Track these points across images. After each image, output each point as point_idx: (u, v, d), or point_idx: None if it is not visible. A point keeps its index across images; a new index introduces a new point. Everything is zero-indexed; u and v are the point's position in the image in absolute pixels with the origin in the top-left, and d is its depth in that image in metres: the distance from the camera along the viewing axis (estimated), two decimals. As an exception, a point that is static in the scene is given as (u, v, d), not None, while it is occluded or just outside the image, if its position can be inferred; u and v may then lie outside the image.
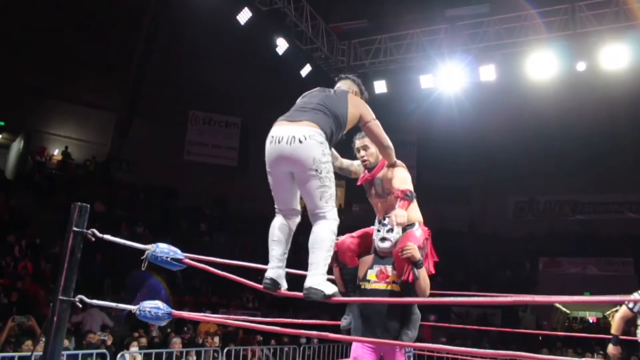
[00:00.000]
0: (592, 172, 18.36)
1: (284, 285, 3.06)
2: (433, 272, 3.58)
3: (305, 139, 2.86)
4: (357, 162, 3.83)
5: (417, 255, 3.30)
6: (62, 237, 2.39)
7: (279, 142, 2.91)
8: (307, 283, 2.85)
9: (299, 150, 2.85)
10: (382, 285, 3.48)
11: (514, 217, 21.00)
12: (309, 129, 2.90)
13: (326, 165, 2.90)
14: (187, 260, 2.67)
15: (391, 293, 3.46)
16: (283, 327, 3.70)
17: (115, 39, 17.22)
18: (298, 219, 3.15)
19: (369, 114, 3.31)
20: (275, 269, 3.03)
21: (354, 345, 3.60)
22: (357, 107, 3.26)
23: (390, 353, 3.50)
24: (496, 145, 18.90)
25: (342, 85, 3.57)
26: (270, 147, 2.96)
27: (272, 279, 3.01)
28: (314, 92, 3.35)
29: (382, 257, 3.57)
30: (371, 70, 15.22)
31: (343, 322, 3.66)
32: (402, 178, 3.49)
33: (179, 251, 2.68)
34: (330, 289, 2.85)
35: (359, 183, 3.81)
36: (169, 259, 2.60)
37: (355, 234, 3.68)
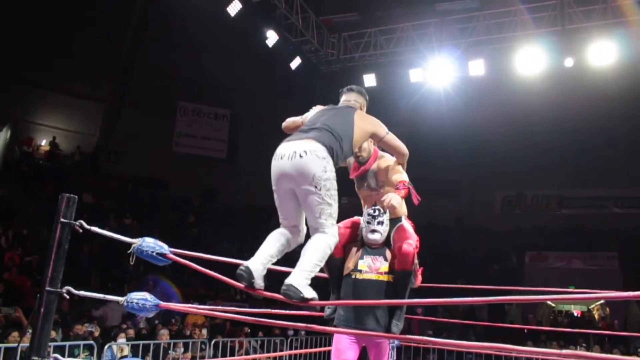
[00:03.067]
0: (579, 168, 18.52)
1: (260, 284, 2.92)
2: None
3: (306, 153, 2.87)
4: None
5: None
6: (49, 228, 2.39)
7: (281, 158, 2.93)
8: (289, 280, 2.81)
9: (298, 165, 2.86)
10: (373, 276, 3.51)
11: (502, 211, 21.16)
12: (311, 144, 2.91)
13: (326, 183, 2.88)
14: (171, 256, 2.67)
15: (383, 284, 3.50)
16: (270, 318, 3.71)
17: (105, 29, 17.09)
18: (300, 239, 3.11)
19: (381, 129, 3.31)
20: (257, 263, 2.92)
21: (337, 334, 3.62)
22: (365, 126, 3.25)
23: (375, 343, 3.53)
24: (484, 139, 19.00)
25: (348, 97, 3.54)
26: (274, 164, 2.98)
27: (248, 268, 2.88)
28: (320, 111, 3.35)
29: (371, 248, 3.60)
30: (361, 63, 15.24)
31: (327, 310, 3.67)
32: (399, 170, 3.54)
33: (165, 246, 2.67)
34: (310, 293, 2.81)
35: (352, 176, 3.79)
36: (154, 254, 2.61)
37: (343, 224, 3.68)
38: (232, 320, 10.93)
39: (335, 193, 2.95)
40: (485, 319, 14.57)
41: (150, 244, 2.61)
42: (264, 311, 3.58)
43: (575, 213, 19.73)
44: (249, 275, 2.87)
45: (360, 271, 3.54)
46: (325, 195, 2.88)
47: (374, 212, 3.54)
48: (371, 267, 3.53)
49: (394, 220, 3.61)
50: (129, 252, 2.59)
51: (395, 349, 3.50)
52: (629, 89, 15.58)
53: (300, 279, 2.81)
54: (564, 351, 1.76)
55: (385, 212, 3.53)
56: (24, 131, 17.94)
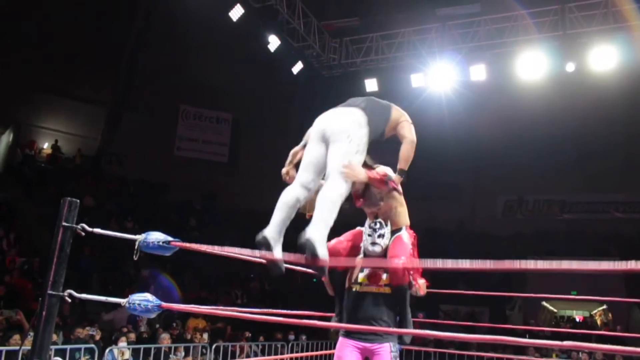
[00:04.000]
0: (581, 172, 18.50)
1: (278, 252, 2.97)
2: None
3: (349, 114, 3.18)
4: None
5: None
6: (51, 230, 2.40)
7: (324, 118, 3.22)
8: (308, 234, 2.83)
9: (339, 120, 3.16)
10: (373, 289, 3.52)
11: (503, 216, 21.12)
12: (355, 110, 3.21)
13: (358, 140, 3.09)
14: (178, 243, 2.66)
15: (382, 297, 3.50)
16: (271, 319, 3.71)
17: (107, 32, 17.14)
18: (309, 194, 3.16)
19: (407, 116, 3.53)
20: (273, 232, 2.98)
21: (339, 343, 3.61)
22: (398, 113, 3.47)
23: (377, 354, 3.52)
24: (486, 144, 18.99)
25: None
26: (316, 121, 3.24)
27: (266, 237, 2.93)
28: (359, 97, 3.55)
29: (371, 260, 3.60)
30: (362, 68, 15.27)
31: (333, 323, 3.68)
32: (385, 169, 3.54)
33: (169, 238, 2.67)
34: (323, 253, 2.83)
35: (358, 205, 3.79)
36: (160, 243, 2.60)
37: (345, 238, 3.69)
38: (233, 324, 10.97)
39: (362, 155, 3.12)
40: (487, 323, 14.55)
41: (155, 235, 2.61)
42: (265, 311, 3.58)
43: (577, 218, 19.69)
44: (267, 244, 2.94)
45: (360, 284, 3.55)
46: (353, 146, 3.07)
47: (375, 224, 3.56)
48: (371, 280, 3.54)
49: (394, 231, 3.61)
50: (135, 245, 2.57)
51: (397, 358, 3.49)
52: (631, 93, 15.59)
53: (318, 233, 2.84)
54: (565, 342, 1.76)
55: (386, 225, 3.55)
56: (26, 134, 17.97)
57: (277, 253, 2.97)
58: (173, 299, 11.25)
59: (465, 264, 1.93)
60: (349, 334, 3.53)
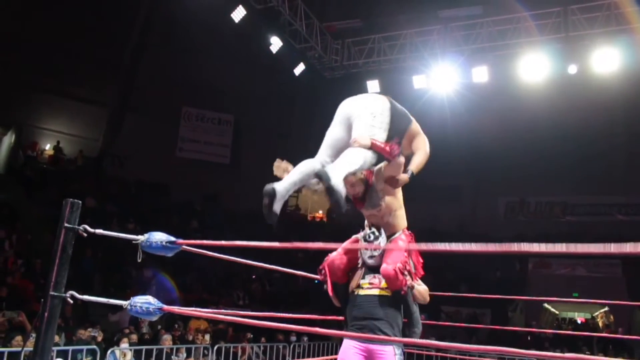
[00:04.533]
0: (583, 175, 18.48)
1: (278, 207, 3.04)
2: (422, 273, 3.65)
3: (376, 98, 3.31)
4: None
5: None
6: (52, 232, 2.39)
7: (351, 99, 3.34)
8: (328, 168, 2.91)
9: (365, 101, 3.29)
10: (376, 291, 3.53)
11: (505, 218, 21.11)
12: (382, 97, 3.33)
13: (382, 119, 3.17)
14: (181, 241, 2.65)
15: (384, 298, 3.51)
16: (273, 322, 3.71)
17: (109, 33, 17.16)
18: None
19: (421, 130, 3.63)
20: (282, 188, 3.05)
21: (344, 346, 3.61)
22: (417, 127, 3.57)
23: (380, 358, 3.51)
24: (488, 146, 18.99)
25: None
26: (341, 105, 3.35)
27: (274, 189, 3.01)
28: None
29: (371, 267, 3.62)
30: (364, 69, 15.28)
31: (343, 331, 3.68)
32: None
33: (172, 238, 2.66)
34: (340, 186, 2.86)
35: (359, 207, 3.77)
36: (163, 243, 2.58)
37: (342, 250, 3.68)
38: (234, 325, 10.96)
39: (384, 135, 3.16)
40: (488, 325, 14.54)
41: (158, 236, 2.59)
42: (267, 314, 3.58)
43: (579, 220, 19.66)
44: (272, 195, 3.02)
45: (362, 288, 3.57)
46: (377, 123, 3.15)
47: (370, 237, 3.57)
48: (373, 284, 3.55)
49: (390, 235, 3.61)
50: (135, 242, 2.56)
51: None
52: (632, 95, 15.57)
53: (335, 169, 2.91)
54: (567, 355, 1.74)
55: (380, 234, 3.56)
56: (28, 135, 18.00)
57: (277, 207, 3.04)
58: (171, 298, 11.28)
59: (470, 246, 1.91)
60: (357, 340, 3.53)
